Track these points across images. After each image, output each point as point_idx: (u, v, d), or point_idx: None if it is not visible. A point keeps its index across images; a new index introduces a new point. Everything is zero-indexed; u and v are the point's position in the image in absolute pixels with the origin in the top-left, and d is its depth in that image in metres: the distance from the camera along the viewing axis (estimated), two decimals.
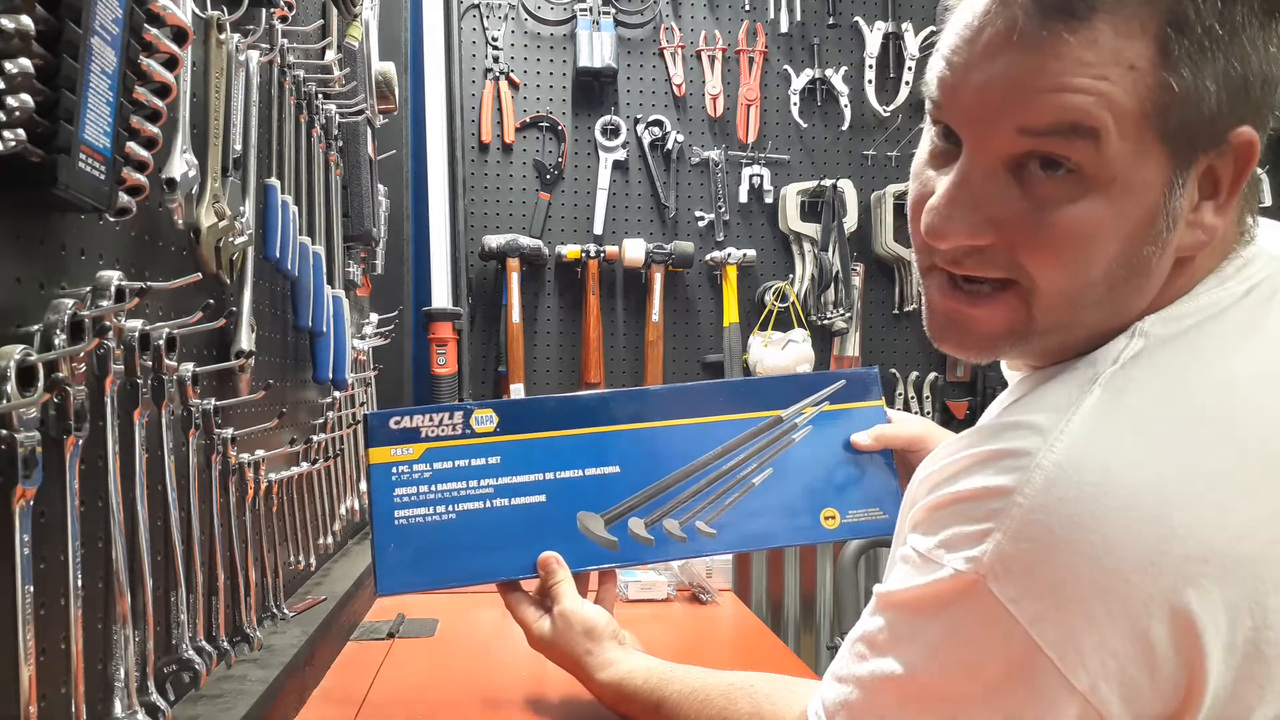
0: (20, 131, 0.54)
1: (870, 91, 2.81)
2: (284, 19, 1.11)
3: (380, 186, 1.76)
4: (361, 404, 1.70)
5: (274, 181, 1.10)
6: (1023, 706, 0.56)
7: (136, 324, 0.74)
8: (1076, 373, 0.61)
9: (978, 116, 0.59)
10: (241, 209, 0.97)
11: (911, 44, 2.81)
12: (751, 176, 2.78)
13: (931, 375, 2.84)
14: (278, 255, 1.09)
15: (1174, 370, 0.59)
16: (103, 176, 0.64)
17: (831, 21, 2.80)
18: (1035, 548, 0.55)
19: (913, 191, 0.66)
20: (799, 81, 2.79)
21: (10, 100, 0.53)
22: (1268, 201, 2.80)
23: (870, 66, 2.80)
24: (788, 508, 1.07)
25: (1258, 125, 0.58)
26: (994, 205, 0.60)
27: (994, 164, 0.60)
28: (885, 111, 2.81)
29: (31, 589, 0.59)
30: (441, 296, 2.61)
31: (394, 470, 1.00)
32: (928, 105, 0.64)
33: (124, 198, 0.68)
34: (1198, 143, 0.57)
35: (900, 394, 2.84)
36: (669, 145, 2.74)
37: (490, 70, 2.70)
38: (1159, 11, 0.55)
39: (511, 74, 2.71)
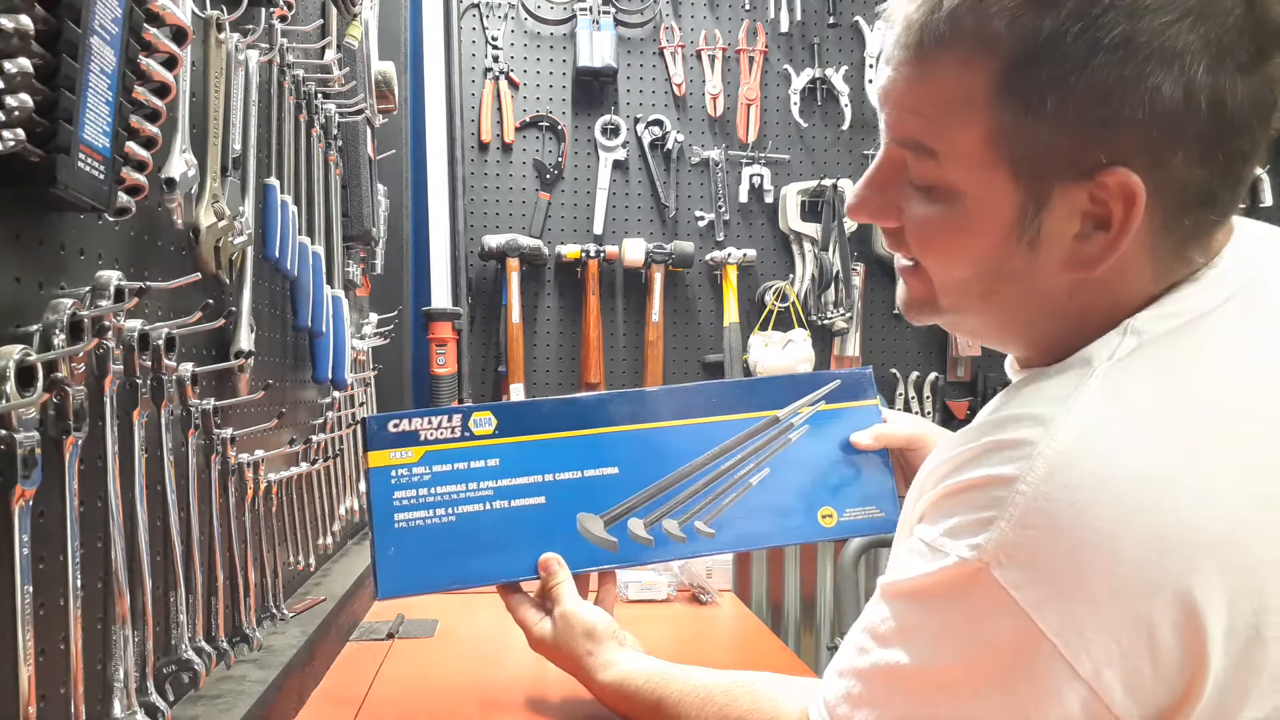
0: (20, 131, 0.54)
1: (870, 91, 2.80)
2: (283, 18, 1.11)
3: (380, 186, 1.76)
4: (361, 404, 1.70)
5: (273, 181, 1.10)
6: (1027, 692, 0.57)
7: (136, 324, 0.74)
8: (1072, 367, 0.62)
9: (880, 114, 0.67)
10: (241, 209, 0.97)
11: None
12: (751, 176, 2.78)
13: (932, 375, 2.84)
14: (277, 255, 1.09)
15: (1169, 364, 0.60)
16: (102, 176, 0.64)
17: (831, 21, 2.80)
18: (1038, 534, 0.56)
19: None
20: (799, 81, 2.79)
21: (10, 100, 0.53)
22: (1268, 201, 2.80)
23: (871, 66, 2.80)
24: (785, 507, 1.07)
25: (1146, 165, 0.58)
26: (894, 192, 0.68)
27: (893, 156, 0.67)
28: None
29: (31, 589, 0.59)
30: (441, 296, 2.61)
31: (393, 473, 1.00)
32: None
33: (123, 197, 0.68)
34: (1050, 174, 0.60)
35: (900, 394, 2.84)
36: (669, 145, 2.73)
37: (490, 70, 2.70)
38: (1001, 52, 0.58)
39: (511, 73, 2.71)
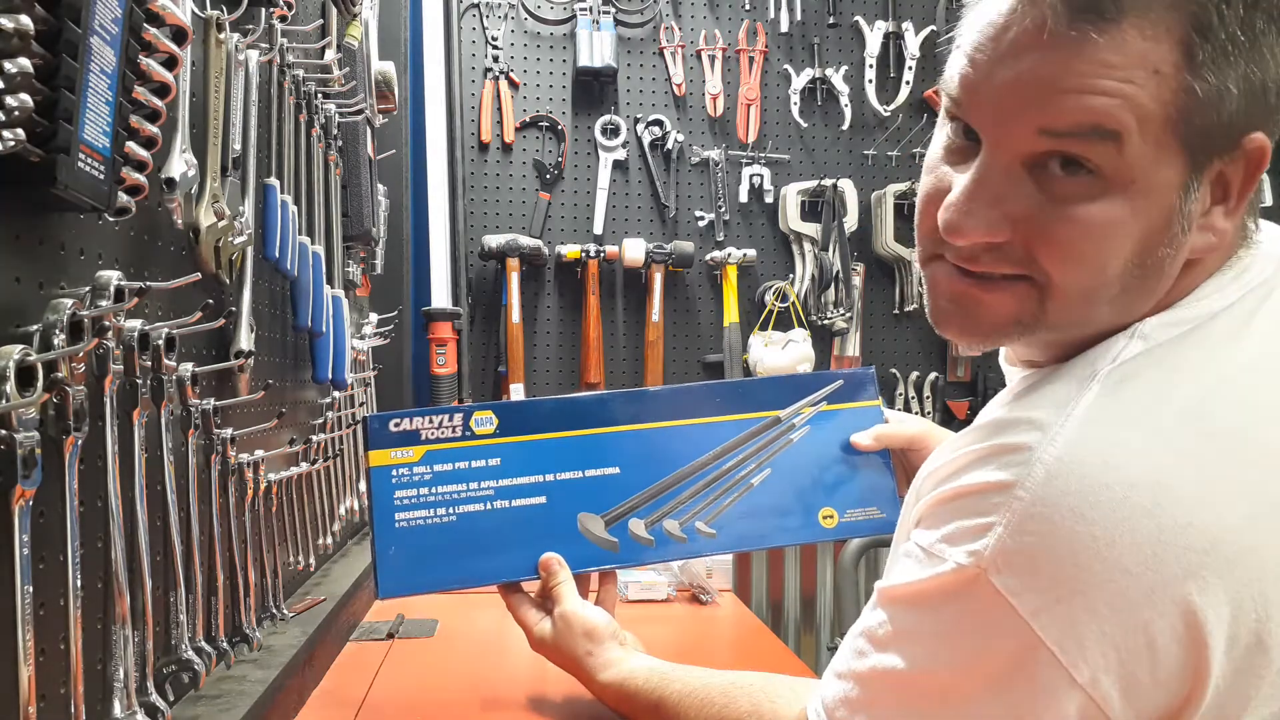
0: (20, 131, 0.54)
1: (870, 91, 2.80)
2: (283, 18, 1.11)
3: (380, 186, 1.76)
4: (361, 404, 1.70)
5: (273, 181, 1.10)
6: (1024, 699, 0.56)
7: (136, 324, 0.74)
8: (1075, 371, 0.61)
9: (1000, 115, 0.59)
10: (241, 209, 0.97)
11: (912, 43, 2.80)
12: (751, 176, 2.78)
13: (932, 375, 2.84)
14: (277, 255, 1.09)
15: (1171, 368, 0.60)
16: (102, 176, 0.64)
17: (831, 21, 2.80)
18: (1036, 541, 0.56)
19: (926, 185, 0.66)
20: (799, 81, 2.79)
21: (10, 100, 0.53)
22: (1268, 201, 2.81)
23: (870, 66, 2.80)
24: (786, 507, 1.07)
25: (1270, 130, 0.58)
26: (1012, 203, 0.60)
27: (1013, 162, 0.60)
28: (885, 111, 2.81)
29: (31, 589, 0.58)
30: (441, 296, 2.61)
31: (394, 473, 0.99)
32: (945, 102, 0.64)
33: (123, 197, 0.68)
34: (1214, 147, 0.58)
35: (900, 394, 2.84)
36: (669, 145, 2.73)
37: (490, 70, 2.70)
38: (1185, 16, 0.55)
39: (511, 73, 2.71)
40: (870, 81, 2.81)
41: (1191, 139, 0.56)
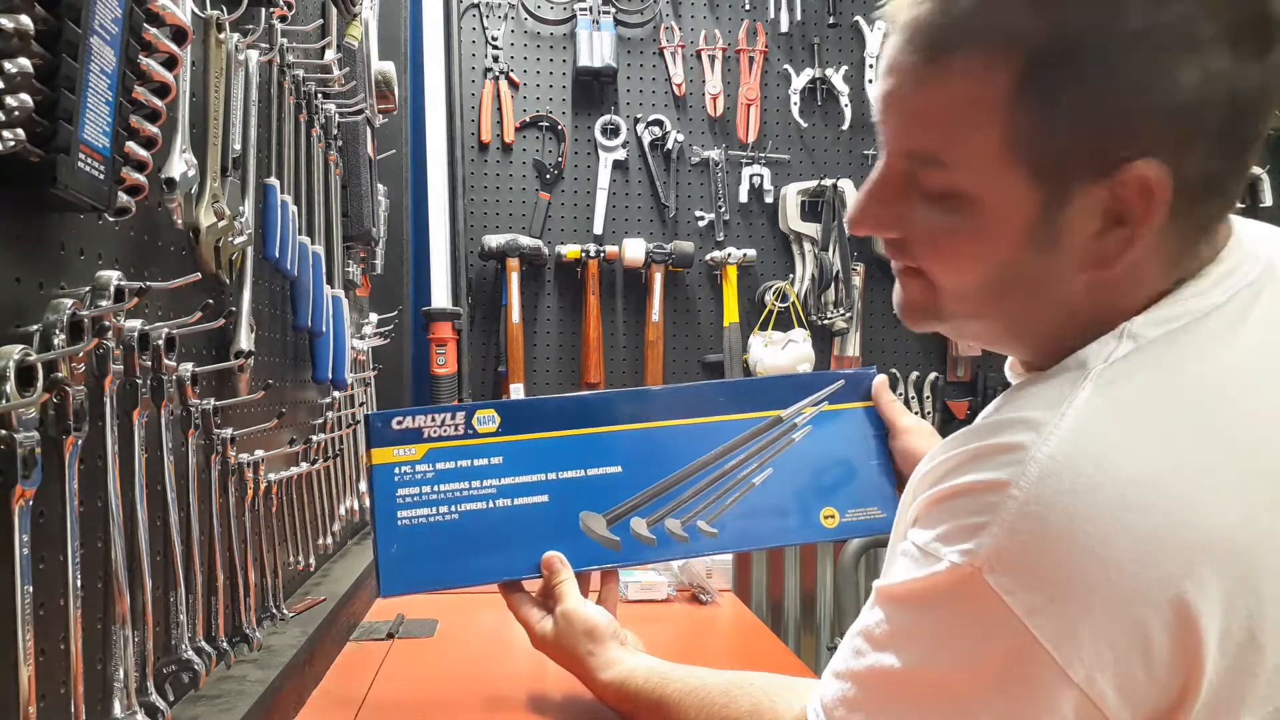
0: (19, 131, 0.54)
1: (870, 91, 2.80)
2: (283, 18, 1.11)
3: (380, 186, 1.76)
4: (361, 404, 1.70)
5: (273, 181, 1.10)
6: (1020, 699, 0.56)
7: (136, 324, 0.74)
8: (1067, 371, 0.62)
9: (880, 127, 0.66)
10: (241, 209, 0.97)
11: None
12: (751, 176, 2.78)
13: (932, 375, 2.84)
14: (277, 255, 1.09)
15: (1163, 367, 0.60)
16: (102, 176, 0.64)
17: (831, 21, 2.80)
18: (1031, 540, 0.56)
19: None
20: (799, 81, 2.79)
21: (10, 100, 0.53)
22: (1268, 201, 2.80)
23: (871, 66, 2.80)
24: (788, 507, 1.07)
25: (1168, 157, 0.57)
26: (896, 204, 0.66)
27: (895, 168, 0.66)
28: None
29: (31, 589, 0.58)
30: (441, 296, 2.61)
31: (396, 471, 0.99)
32: None
33: (123, 197, 0.68)
34: (1072, 172, 0.59)
35: (900, 394, 2.83)
36: (669, 145, 2.73)
37: (490, 70, 2.70)
38: (1019, 48, 0.57)
39: (511, 73, 2.71)
40: (870, 81, 2.80)
41: (1036, 163, 0.59)
